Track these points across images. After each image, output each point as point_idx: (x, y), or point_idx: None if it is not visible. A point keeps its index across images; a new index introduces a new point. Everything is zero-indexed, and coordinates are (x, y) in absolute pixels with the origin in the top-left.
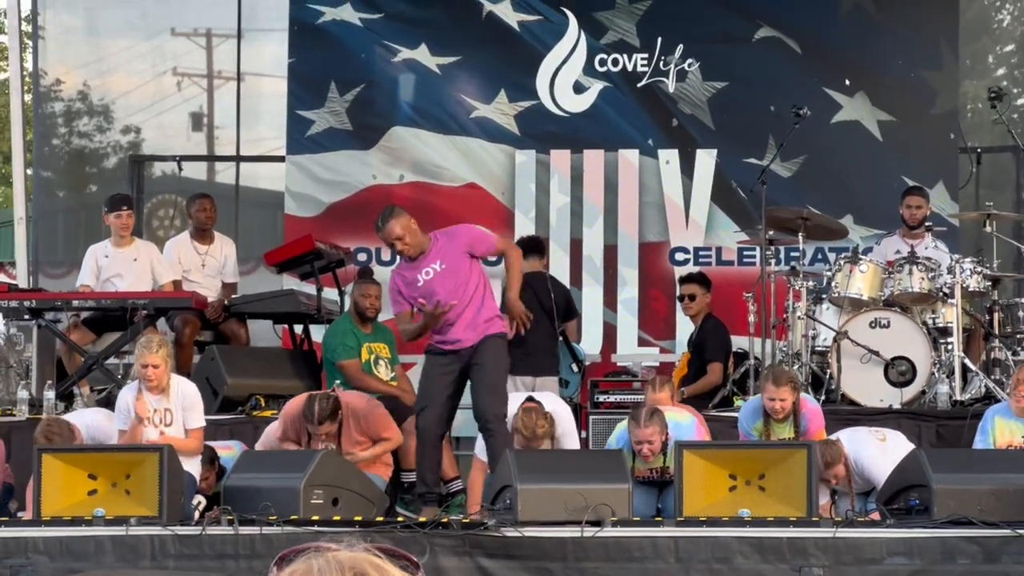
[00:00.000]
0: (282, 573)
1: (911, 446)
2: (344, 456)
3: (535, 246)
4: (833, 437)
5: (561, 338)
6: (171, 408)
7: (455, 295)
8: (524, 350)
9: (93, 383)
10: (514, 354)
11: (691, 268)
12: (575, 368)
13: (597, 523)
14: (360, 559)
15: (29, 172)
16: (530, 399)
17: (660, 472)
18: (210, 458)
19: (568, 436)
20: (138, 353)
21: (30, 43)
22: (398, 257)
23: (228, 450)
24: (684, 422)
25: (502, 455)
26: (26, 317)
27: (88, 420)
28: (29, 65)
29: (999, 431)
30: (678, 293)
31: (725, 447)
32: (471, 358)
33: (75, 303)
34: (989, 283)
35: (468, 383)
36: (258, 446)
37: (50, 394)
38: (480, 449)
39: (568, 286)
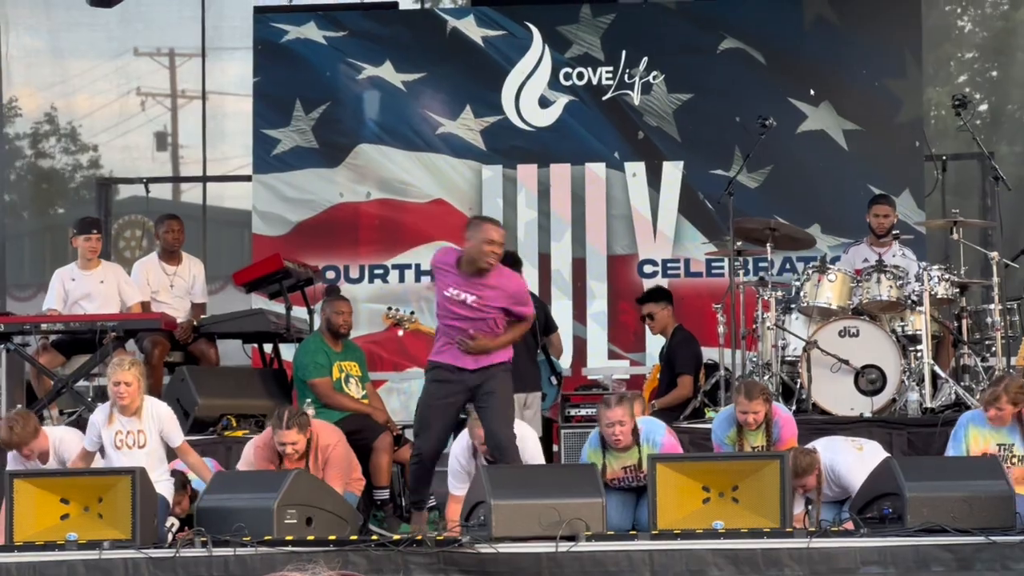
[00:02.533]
0: None
1: (890, 456)
2: None
3: (513, 262)
4: (810, 446)
5: (541, 352)
6: (144, 430)
7: (476, 327)
8: (513, 367)
9: (63, 406)
10: None
11: (659, 280)
12: (553, 381)
13: (571, 538)
14: None
15: None
16: None
17: (635, 471)
18: (182, 483)
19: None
20: (110, 372)
21: None
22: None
23: None
24: (655, 422)
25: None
26: None
27: (62, 434)
28: None
29: (973, 439)
30: (641, 314)
31: (698, 459)
32: (478, 386)
33: (44, 326)
34: (957, 290)
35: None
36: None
37: None
38: (454, 484)
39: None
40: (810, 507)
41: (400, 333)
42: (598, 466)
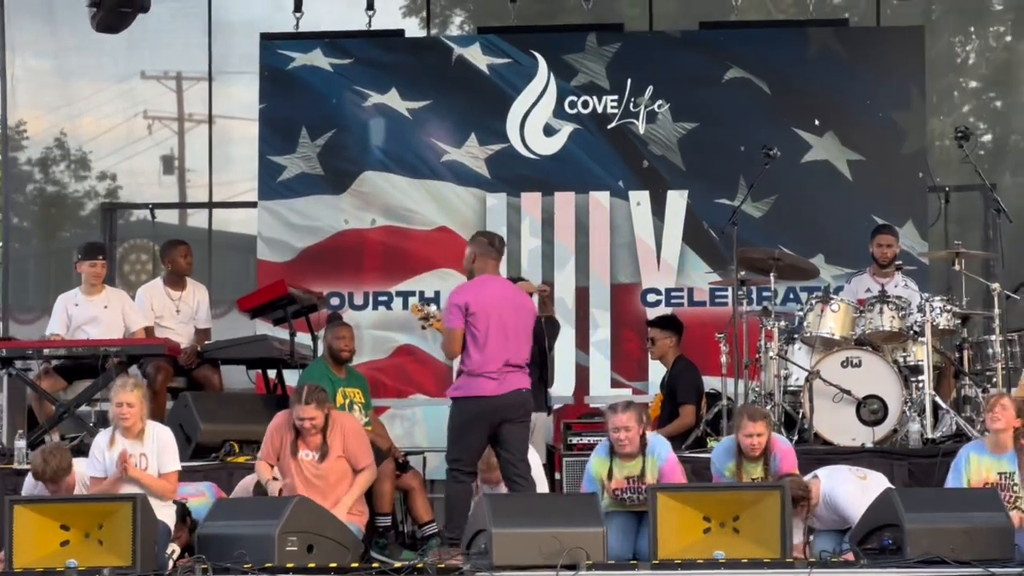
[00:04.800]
0: None
1: (892, 487)
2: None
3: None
4: (814, 473)
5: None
6: (146, 453)
7: None
8: None
9: (64, 431)
10: None
11: (663, 309)
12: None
13: (572, 567)
14: None
15: None
16: None
17: (637, 482)
18: (182, 516)
19: (537, 481)
20: (112, 393)
21: None
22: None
23: (200, 496)
24: (661, 438)
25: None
26: None
27: (85, 468)
28: None
29: (974, 469)
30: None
31: (699, 489)
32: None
33: (46, 351)
34: (959, 321)
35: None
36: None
37: (21, 443)
38: None
39: None
40: (812, 536)
41: (424, 327)
42: (604, 473)
